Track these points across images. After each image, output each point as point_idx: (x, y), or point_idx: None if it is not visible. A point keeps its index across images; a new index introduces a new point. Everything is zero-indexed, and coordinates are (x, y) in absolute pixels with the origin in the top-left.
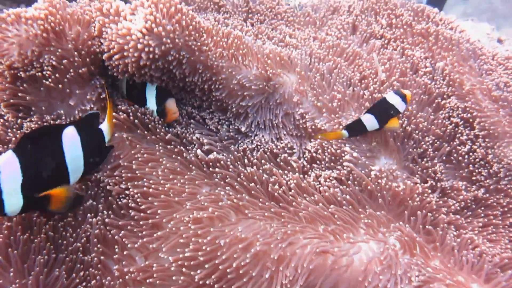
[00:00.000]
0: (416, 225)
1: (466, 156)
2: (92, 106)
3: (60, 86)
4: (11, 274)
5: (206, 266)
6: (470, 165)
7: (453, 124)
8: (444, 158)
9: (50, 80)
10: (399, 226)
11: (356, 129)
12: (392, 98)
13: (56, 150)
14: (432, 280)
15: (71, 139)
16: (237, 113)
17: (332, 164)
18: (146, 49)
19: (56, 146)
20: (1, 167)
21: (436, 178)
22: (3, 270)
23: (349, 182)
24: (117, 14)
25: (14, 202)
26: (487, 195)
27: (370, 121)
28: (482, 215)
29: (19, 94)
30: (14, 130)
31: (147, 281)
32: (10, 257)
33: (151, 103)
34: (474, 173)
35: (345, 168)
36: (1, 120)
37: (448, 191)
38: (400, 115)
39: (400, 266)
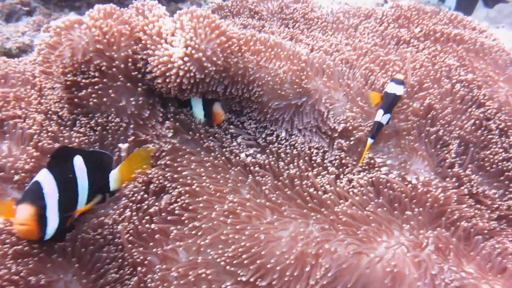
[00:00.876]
0: (453, 231)
1: (500, 164)
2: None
3: (109, 91)
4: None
5: (246, 262)
6: (505, 173)
7: (487, 132)
8: (477, 165)
9: (99, 85)
10: (436, 232)
11: (376, 130)
12: (393, 88)
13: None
14: (467, 285)
15: (79, 167)
16: (274, 118)
17: (364, 167)
18: (187, 75)
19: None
20: (41, 182)
21: (470, 185)
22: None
23: (381, 187)
24: (159, 36)
25: (53, 219)
26: None
27: (386, 119)
28: None
29: (72, 95)
30: (68, 128)
31: (190, 275)
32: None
33: (198, 109)
34: (507, 182)
35: (378, 172)
36: (55, 117)
37: (482, 198)
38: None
39: (436, 270)
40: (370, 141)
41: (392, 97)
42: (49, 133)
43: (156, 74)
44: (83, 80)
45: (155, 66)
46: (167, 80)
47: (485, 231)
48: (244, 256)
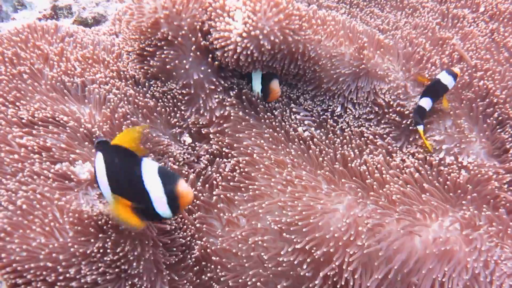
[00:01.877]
0: (504, 213)
1: None
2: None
3: (176, 61)
4: None
5: (302, 230)
6: None
7: None
8: None
9: (165, 54)
10: (489, 213)
11: (421, 116)
12: (445, 78)
13: None
14: None
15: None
16: (332, 93)
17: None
18: (245, 52)
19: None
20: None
21: None
22: None
23: (435, 167)
24: (222, 9)
25: None
26: None
27: (428, 105)
28: None
29: (145, 62)
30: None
31: (250, 240)
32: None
33: (257, 84)
34: None
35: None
36: (131, 81)
37: None
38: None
39: (487, 247)
40: (420, 128)
41: (442, 87)
42: (128, 97)
43: (216, 46)
44: (150, 48)
45: (216, 39)
46: (225, 54)
47: None
48: (300, 223)
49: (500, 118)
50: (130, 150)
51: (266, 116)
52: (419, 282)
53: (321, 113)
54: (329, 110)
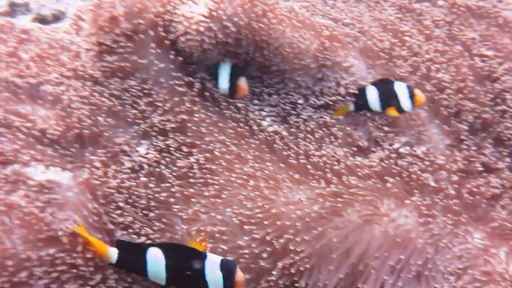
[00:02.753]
0: (460, 200)
1: None
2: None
3: (134, 57)
4: None
5: (263, 222)
6: None
7: (505, 106)
8: (491, 139)
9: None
10: (445, 201)
11: (360, 102)
12: (400, 89)
13: None
14: (472, 250)
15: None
16: (295, 85)
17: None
18: (208, 33)
19: None
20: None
21: (485, 160)
22: None
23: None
24: None
25: None
26: None
27: (373, 97)
28: None
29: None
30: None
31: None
32: None
33: (223, 81)
34: None
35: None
36: (90, 82)
37: (493, 170)
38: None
39: (439, 233)
40: (351, 107)
41: (390, 87)
42: (85, 98)
43: (179, 33)
44: (111, 44)
45: (178, 23)
46: (188, 38)
47: (492, 199)
48: (261, 215)
49: (455, 109)
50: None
51: (229, 112)
52: (377, 268)
53: (285, 107)
54: (294, 103)
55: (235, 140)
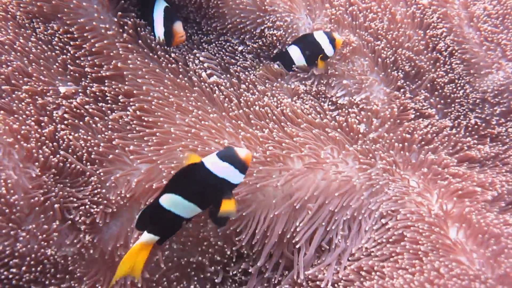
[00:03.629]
0: (399, 146)
1: (447, 86)
2: None
3: None
4: None
5: None
6: (449, 95)
7: (438, 54)
8: (427, 87)
9: None
10: (384, 149)
11: (284, 61)
12: (320, 37)
13: None
14: (406, 194)
15: None
16: (235, 30)
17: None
18: None
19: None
20: None
21: (416, 104)
22: None
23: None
24: None
25: None
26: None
27: (296, 54)
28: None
29: None
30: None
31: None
32: None
33: (159, 26)
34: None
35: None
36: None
37: (426, 116)
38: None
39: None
40: (276, 66)
41: (310, 39)
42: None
43: None
44: None
45: None
46: None
47: (425, 144)
48: None
49: (393, 59)
50: None
51: (167, 62)
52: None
53: (224, 56)
54: (234, 51)
55: (175, 91)
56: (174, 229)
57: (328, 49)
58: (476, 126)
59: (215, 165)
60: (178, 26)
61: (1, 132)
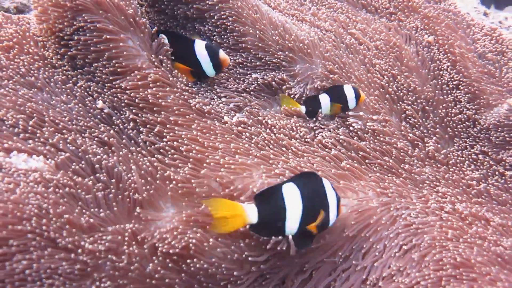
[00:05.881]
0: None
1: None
2: None
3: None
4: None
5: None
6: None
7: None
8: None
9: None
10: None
11: (312, 107)
12: (348, 91)
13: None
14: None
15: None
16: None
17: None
18: None
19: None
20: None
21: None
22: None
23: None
24: None
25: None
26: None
27: (326, 103)
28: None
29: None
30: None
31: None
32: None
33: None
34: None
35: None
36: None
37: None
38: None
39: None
40: (302, 108)
41: (340, 90)
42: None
43: None
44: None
45: None
46: None
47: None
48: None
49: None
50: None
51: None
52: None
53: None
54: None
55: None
56: (270, 228)
57: (351, 103)
58: None
59: (327, 184)
60: (222, 54)
61: None
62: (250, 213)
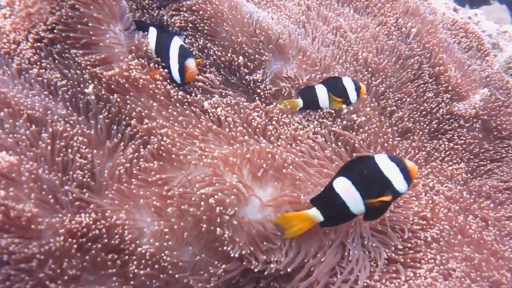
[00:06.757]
0: None
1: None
2: None
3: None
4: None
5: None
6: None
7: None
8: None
9: None
10: None
11: (308, 98)
12: (348, 83)
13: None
14: None
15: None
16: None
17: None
18: None
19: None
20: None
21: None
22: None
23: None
24: None
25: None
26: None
27: (323, 94)
28: None
29: None
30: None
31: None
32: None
33: (173, 63)
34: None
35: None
36: None
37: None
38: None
39: None
40: (298, 101)
41: (339, 83)
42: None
43: None
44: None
45: None
46: None
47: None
48: None
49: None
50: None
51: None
52: None
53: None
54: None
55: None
56: (339, 219)
57: (353, 96)
58: None
59: (383, 162)
60: (191, 62)
61: None
62: (314, 215)
